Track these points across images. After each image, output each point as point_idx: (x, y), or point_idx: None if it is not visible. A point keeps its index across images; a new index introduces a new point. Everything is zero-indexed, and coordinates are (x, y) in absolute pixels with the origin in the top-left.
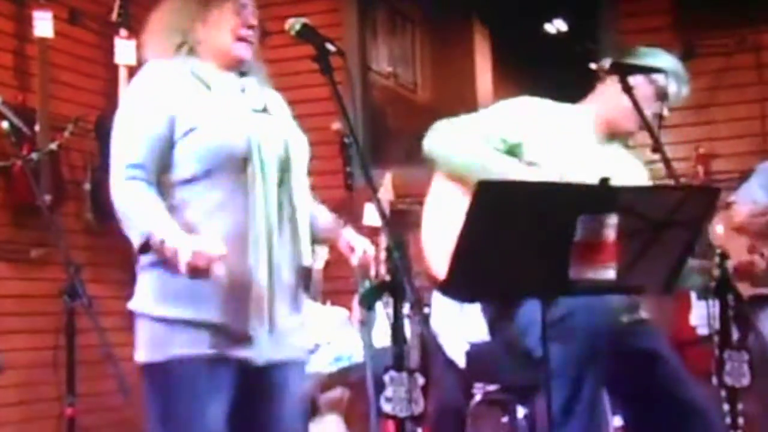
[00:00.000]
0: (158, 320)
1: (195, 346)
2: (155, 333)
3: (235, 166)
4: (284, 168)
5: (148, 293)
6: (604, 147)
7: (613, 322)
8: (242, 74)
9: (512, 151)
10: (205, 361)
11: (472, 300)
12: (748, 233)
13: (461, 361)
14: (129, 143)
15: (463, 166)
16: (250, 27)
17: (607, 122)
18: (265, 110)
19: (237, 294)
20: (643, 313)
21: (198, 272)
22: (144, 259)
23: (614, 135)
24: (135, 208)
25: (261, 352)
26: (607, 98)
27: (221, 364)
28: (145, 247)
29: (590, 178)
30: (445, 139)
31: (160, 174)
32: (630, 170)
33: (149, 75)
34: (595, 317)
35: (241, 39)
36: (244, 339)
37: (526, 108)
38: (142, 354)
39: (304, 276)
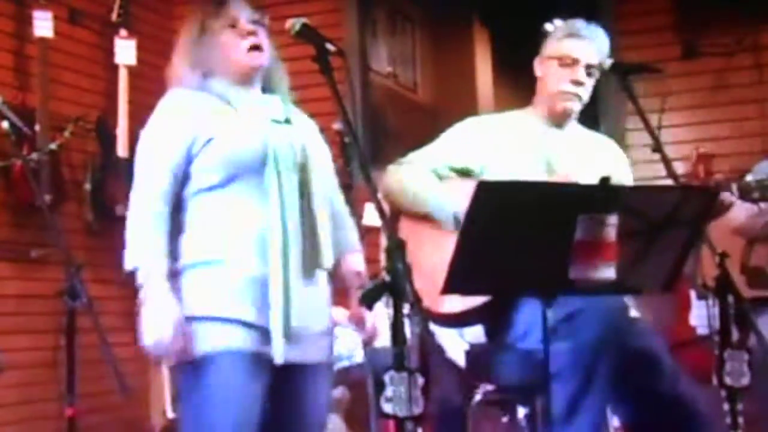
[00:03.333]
0: (191, 318)
1: (228, 341)
2: (190, 330)
3: (253, 172)
4: (303, 173)
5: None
6: (558, 135)
7: (621, 320)
8: (265, 90)
9: (464, 175)
10: (239, 356)
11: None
12: (746, 235)
13: (461, 361)
14: (156, 170)
15: (412, 204)
16: (250, 34)
17: (546, 110)
18: (287, 121)
19: (263, 293)
20: (634, 312)
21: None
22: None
23: (559, 119)
24: (140, 237)
25: (279, 349)
26: (539, 89)
27: (255, 360)
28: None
29: (538, 173)
30: (394, 180)
31: (184, 186)
32: (585, 152)
33: (170, 103)
34: (605, 314)
35: (249, 50)
36: (267, 337)
37: (466, 131)
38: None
39: (326, 279)
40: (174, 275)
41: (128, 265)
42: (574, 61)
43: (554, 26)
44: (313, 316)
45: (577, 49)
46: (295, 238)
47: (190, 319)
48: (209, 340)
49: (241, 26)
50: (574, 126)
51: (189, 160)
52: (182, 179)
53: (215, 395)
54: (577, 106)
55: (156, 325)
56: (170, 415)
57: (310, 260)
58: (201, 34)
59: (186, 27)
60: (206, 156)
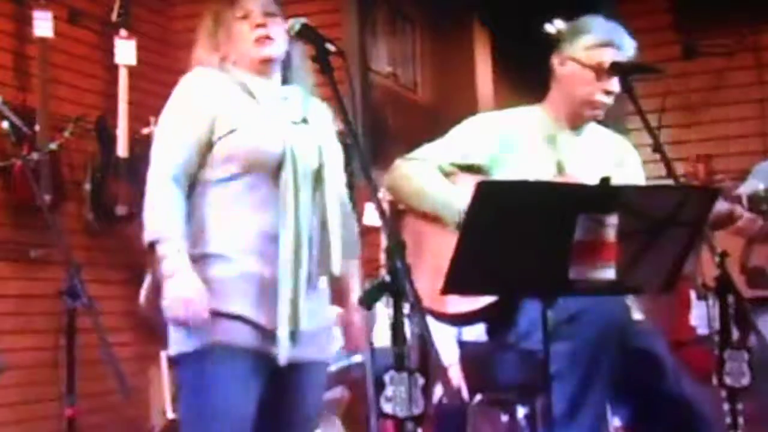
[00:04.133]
0: None
1: (228, 335)
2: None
3: (270, 171)
4: (318, 177)
5: None
6: (572, 137)
7: (623, 320)
8: (285, 82)
9: (470, 171)
10: (238, 352)
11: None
12: (744, 236)
13: (453, 366)
14: (174, 144)
15: (419, 200)
16: (260, 26)
17: (565, 111)
18: (304, 121)
19: (265, 293)
20: (637, 314)
21: (176, 319)
22: None
23: (578, 122)
24: (159, 209)
25: (284, 351)
26: (559, 88)
27: (253, 358)
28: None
29: (548, 174)
30: (400, 176)
31: (198, 172)
32: (597, 154)
33: (195, 79)
34: (607, 315)
35: (257, 41)
36: (271, 336)
37: (476, 128)
38: (175, 347)
39: (331, 282)
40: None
41: (148, 237)
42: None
43: (582, 25)
44: (316, 318)
45: (615, 59)
46: (307, 243)
47: None
48: (211, 334)
49: (252, 18)
50: (589, 128)
51: (210, 144)
52: (198, 164)
53: (214, 389)
54: (602, 113)
55: (183, 291)
56: (170, 415)
57: (320, 266)
58: (216, 25)
59: (202, 19)
60: (224, 147)
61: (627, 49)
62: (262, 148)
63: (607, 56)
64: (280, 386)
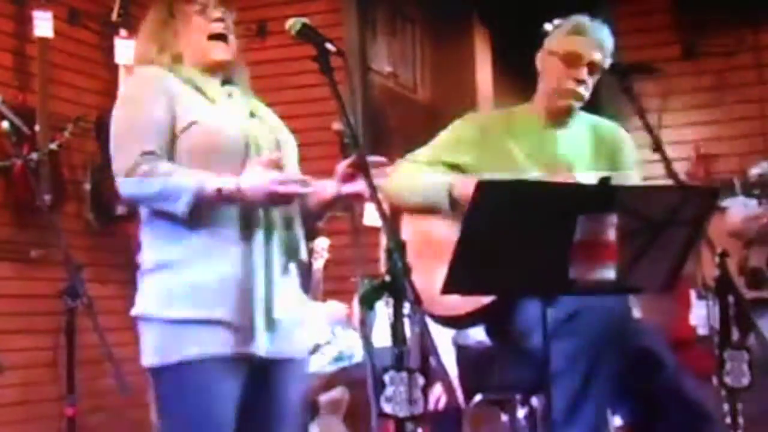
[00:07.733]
0: (167, 322)
1: (207, 345)
2: (165, 335)
3: (233, 163)
4: (278, 168)
5: (154, 296)
6: (558, 132)
7: (624, 319)
8: (225, 83)
9: (460, 173)
10: (219, 360)
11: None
12: (742, 238)
13: (452, 369)
14: (137, 134)
15: (411, 196)
16: (218, 20)
17: (545, 106)
18: (252, 115)
19: (240, 290)
20: (636, 312)
21: (283, 198)
22: (147, 264)
23: (559, 116)
24: (163, 179)
25: (260, 345)
26: (540, 84)
27: (233, 362)
28: (194, 211)
29: (536, 171)
30: (393, 179)
31: None
32: (586, 149)
33: (144, 76)
34: (607, 314)
35: (211, 37)
36: (248, 334)
37: (465, 128)
38: (153, 358)
39: (301, 270)
40: (150, 271)
41: (184, 202)
42: (577, 59)
43: (557, 23)
44: (290, 308)
45: (581, 46)
46: (276, 232)
47: (164, 323)
48: (188, 346)
49: (209, 12)
50: (576, 120)
51: (173, 136)
52: (168, 155)
53: (195, 402)
54: (577, 104)
55: (263, 177)
56: None
57: (289, 253)
58: (170, 17)
59: (154, 9)
60: (187, 141)
61: (598, 37)
62: (225, 139)
63: (576, 44)
64: (261, 386)
